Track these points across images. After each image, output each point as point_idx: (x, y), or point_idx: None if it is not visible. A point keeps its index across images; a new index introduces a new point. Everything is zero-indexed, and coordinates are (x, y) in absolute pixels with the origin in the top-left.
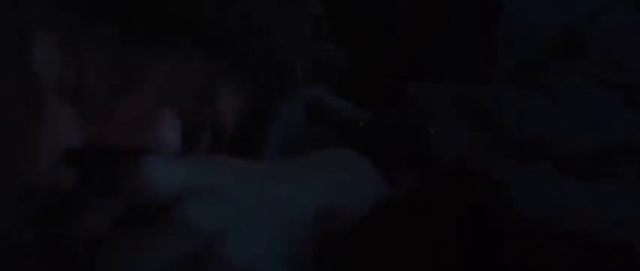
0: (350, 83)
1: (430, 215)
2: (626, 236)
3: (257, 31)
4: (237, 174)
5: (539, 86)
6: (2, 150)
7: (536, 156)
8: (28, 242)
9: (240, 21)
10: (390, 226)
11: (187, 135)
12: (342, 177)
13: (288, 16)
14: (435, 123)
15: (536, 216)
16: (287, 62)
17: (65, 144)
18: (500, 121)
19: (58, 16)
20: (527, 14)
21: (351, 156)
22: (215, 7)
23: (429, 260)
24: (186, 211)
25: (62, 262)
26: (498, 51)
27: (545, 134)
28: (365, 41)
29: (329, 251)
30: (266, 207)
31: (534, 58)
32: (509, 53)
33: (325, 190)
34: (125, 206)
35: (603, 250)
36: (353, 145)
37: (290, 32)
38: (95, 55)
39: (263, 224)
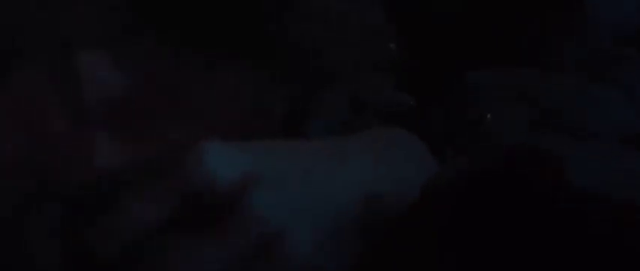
0: (399, 70)
1: (487, 198)
2: None
3: (314, 50)
4: (292, 158)
5: (610, 76)
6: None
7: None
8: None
9: (295, 37)
10: (443, 210)
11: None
12: (392, 158)
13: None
14: (494, 111)
15: (595, 189)
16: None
17: (107, 161)
18: (561, 109)
19: (103, 28)
20: (602, 3)
21: (402, 135)
22: (273, 23)
23: (486, 246)
24: (252, 200)
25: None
26: (570, 38)
27: (616, 128)
28: (422, 29)
29: (375, 239)
30: (320, 194)
31: (607, 48)
32: (582, 41)
33: (374, 174)
34: (180, 196)
35: None
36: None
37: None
38: (143, 68)
39: (320, 211)
